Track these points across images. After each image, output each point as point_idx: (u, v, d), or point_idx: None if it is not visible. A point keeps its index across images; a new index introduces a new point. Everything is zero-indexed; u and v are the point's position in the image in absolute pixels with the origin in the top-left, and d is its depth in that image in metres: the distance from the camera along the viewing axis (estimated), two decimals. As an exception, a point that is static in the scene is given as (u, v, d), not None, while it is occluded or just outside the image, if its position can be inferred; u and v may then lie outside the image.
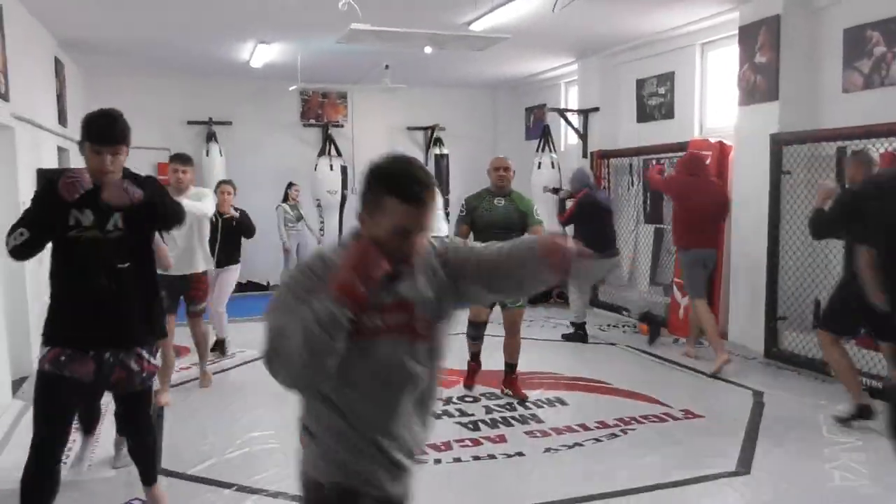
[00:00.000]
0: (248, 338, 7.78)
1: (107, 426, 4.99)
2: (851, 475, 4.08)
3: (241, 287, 10.94)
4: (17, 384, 5.95)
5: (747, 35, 6.80)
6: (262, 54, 8.81)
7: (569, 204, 8.11)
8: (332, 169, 10.66)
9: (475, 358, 5.82)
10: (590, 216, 7.28)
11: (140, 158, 9.53)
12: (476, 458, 4.43)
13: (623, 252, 8.42)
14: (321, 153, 10.91)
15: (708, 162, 7.31)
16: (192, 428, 4.97)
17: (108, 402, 5.29)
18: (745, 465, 4.24)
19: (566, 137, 10.68)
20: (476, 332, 5.65)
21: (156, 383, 5.97)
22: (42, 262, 6.93)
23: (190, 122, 10.93)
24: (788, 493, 3.88)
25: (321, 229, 10.73)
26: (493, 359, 6.86)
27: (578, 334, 7.58)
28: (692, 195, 6.48)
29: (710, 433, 4.82)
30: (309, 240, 10.51)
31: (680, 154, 7.79)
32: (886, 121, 5.46)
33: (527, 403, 5.46)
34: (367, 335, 1.79)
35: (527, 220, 5.45)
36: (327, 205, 10.68)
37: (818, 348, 5.96)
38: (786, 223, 6.43)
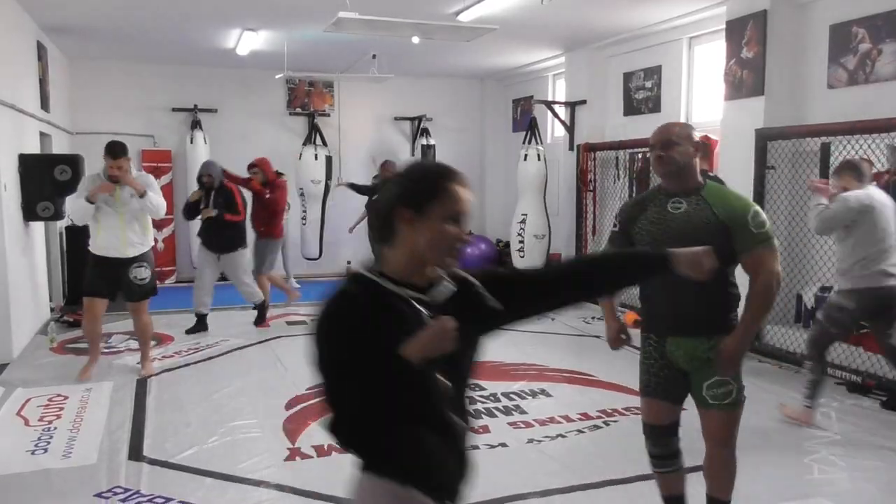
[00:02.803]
0: (230, 326, 7.78)
1: (90, 416, 4.97)
2: (830, 468, 4.13)
3: (223, 276, 10.92)
4: (-3, 371, 5.92)
5: (734, 30, 6.82)
6: (248, 42, 8.74)
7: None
8: (316, 158, 10.61)
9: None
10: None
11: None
12: (459, 448, 4.43)
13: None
14: (306, 142, 10.87)
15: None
16: (175, 416, 4.95)
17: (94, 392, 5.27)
18: (725, 457, 4.27)
19: (553, 130, 10.69)
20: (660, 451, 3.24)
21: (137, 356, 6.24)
22: (26, 251, 6.89)
23: (175, 110, 10.85)
24: (766, 485, 3.91)
25: (303, 218, 10.69)
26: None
27: (260, 314, 7.91)
28: None
29: (691, 425, 4.83)
30: (292, 228, 10.49)
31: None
32: (870, 117, 5.50)
33: (510, 394, 5.48)
34: None
35: (737, 236, 2.93)
36: (310, 194, 10.63)
37: (799, 343, 6.03)
38: (769, 218, 6.42)
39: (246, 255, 7.76)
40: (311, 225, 10.74)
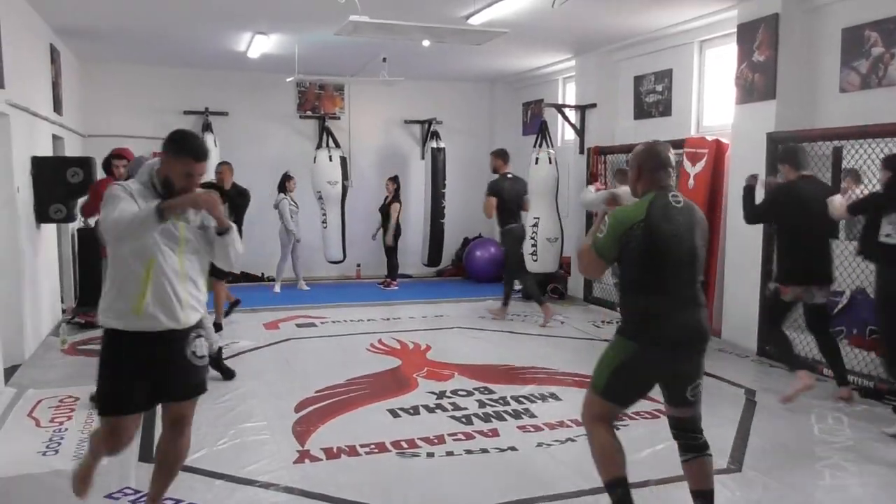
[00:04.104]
0: (240, 329, 7.79)
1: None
2: (842, 474, 4.10)
3: (235, 277, 10.95)
4: (9, 372, 5.94)
5: (746, 33, 6.80)
6: (259, 45, 8.78)
7: None
8: (331, 160, 10.65)
9: None
10: None
11: (135, 147, 9.52)
12: (469, 451, 4.43)
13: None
14: (319, 145, 10.90)
15: (704, 160, 7.34)
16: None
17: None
18: (736, 462, 4.25)
19: (563, 133, 10.68)
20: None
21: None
22: (38, 253, 6.93)
23: (186, 112, 10.89)
24: (779, 490, 3.89)
25: (323, 222, 10.72)
26: (492, 353, 6.88)
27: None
28: None
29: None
30: (310, 231, 10.56)
31: (678, 151, 7.78)
32: (882, 121, 5.47)
33: (520, 398, 5.46)
34: None
35: None
36: (328, 196, 10.67)
37: (811, 347, 5.99)
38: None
39: None
40: (332, 228, 10.77)
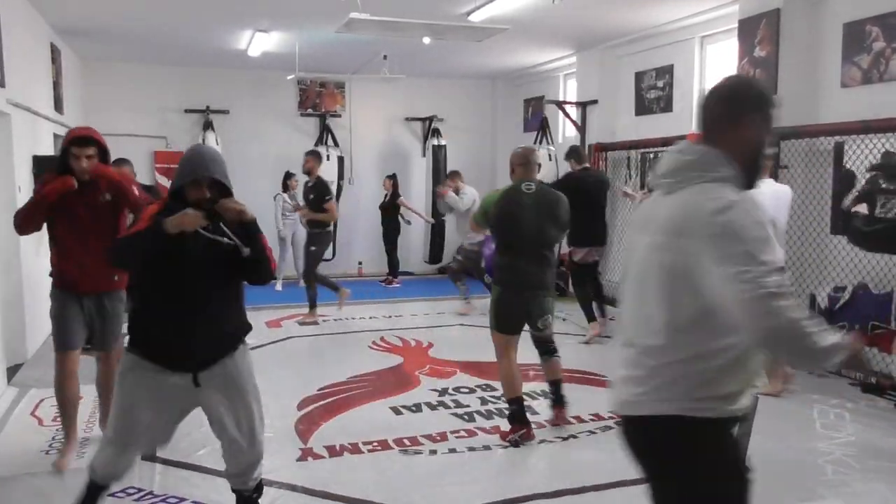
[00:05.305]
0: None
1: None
2: (844, 469, 4.10)
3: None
4: (11, 371, 5.95)
5: (747, 29, 6.78)
6: (260, 43, 8.77)
7: None
8: (328, 159, 10.64)
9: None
10: None
11: (136, 147, 9.55)
12: (471, 448, 4.43)
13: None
14: (317, 143, 10.90)
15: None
16: (188, 416, 4.96)
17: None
18: (738, 458, 4.25)
19: (564, 130, 10.66)
20: None
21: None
22: (39, 253, 6.93)
23: (187, 111, 10.90)
24: (781, 486, 3.89)
25: None
26: (493, 351, 6.87)
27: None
28: None
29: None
30: (302, 229, 10.56)
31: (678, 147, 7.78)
32: (884, 116, 5.46)
33: (523, 395, 5.45)
34: None
35: None
36: (322, 195, 10.66)
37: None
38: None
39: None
40: None
